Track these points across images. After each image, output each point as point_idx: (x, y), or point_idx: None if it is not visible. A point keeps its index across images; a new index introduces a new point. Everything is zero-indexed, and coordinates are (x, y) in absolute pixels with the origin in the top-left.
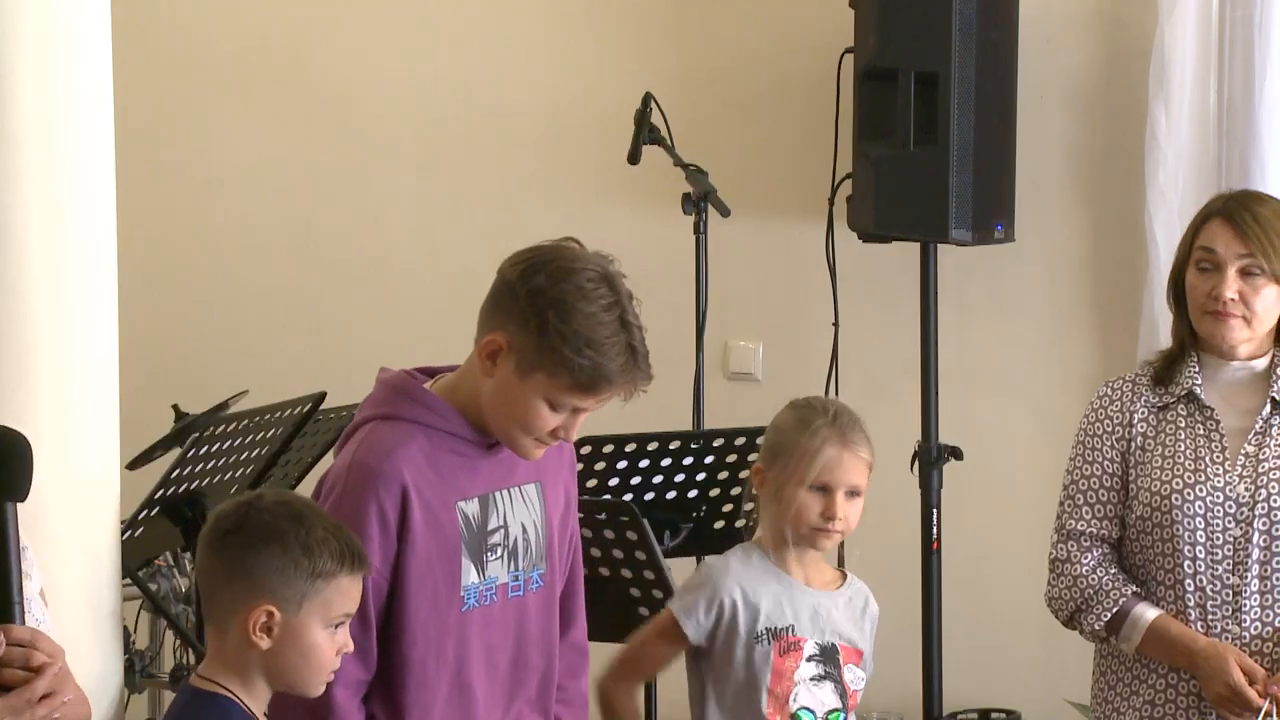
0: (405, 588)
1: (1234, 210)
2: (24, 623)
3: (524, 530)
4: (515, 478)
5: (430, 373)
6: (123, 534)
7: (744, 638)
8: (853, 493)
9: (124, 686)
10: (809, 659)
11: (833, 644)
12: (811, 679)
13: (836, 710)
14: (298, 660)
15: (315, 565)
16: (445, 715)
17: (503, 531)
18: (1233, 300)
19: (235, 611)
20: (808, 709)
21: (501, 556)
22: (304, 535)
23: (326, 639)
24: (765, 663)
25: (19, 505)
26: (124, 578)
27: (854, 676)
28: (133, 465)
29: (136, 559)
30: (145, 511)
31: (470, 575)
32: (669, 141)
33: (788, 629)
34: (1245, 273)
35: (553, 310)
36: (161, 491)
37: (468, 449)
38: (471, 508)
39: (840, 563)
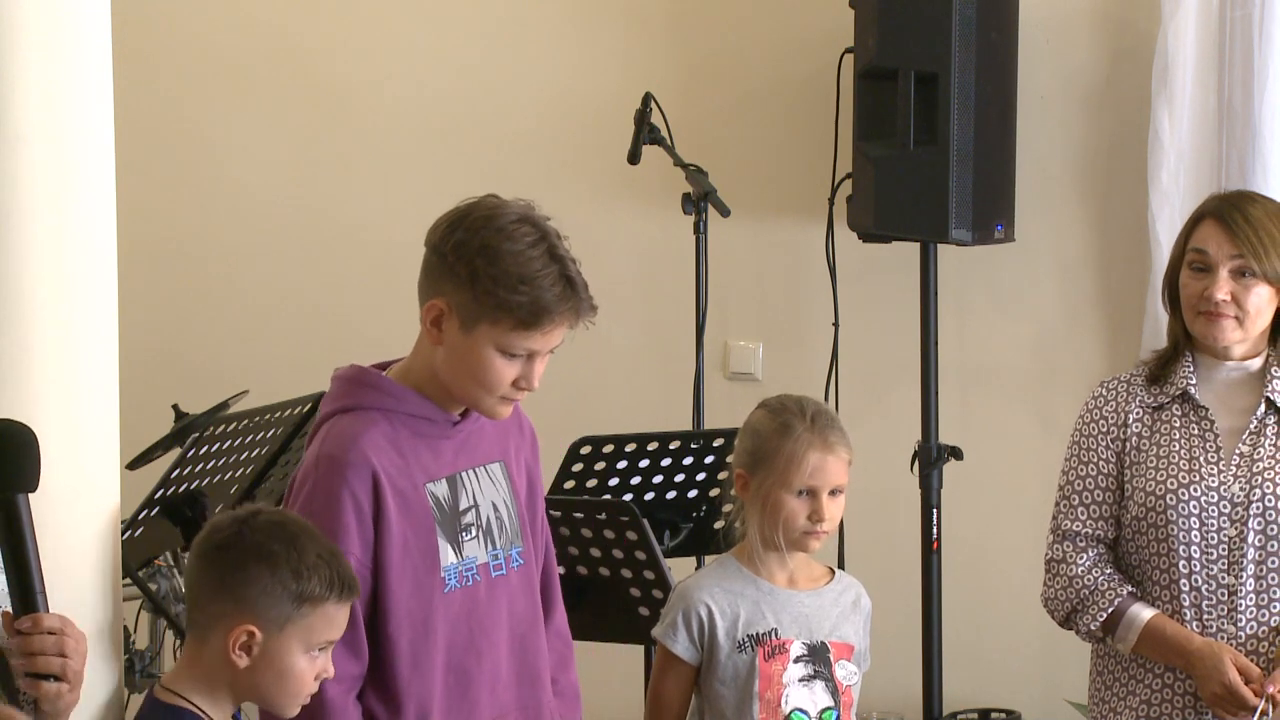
0: (386, 573)
1: (1226, 211)
2: (48, 610)
3: (495, 509)
4: (479, 457)
5: (383, 367)
6: (123, 534)
7: (727, 648)
8: (835, 491)
9: (124, 686)
10: (796, 660)
11: (822, 642)
12: (801, 680)
13: (830, 708)
14: (273, 681)
15: (302, 590)
16: (445, 701)
17: (474, 511)
18: (1225, 301)
19: (217, 626)
20: (801, 710)
21: (477, 536)
22: (295, 559)
23: (306, 663)
24: (752, 669)
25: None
26: (124, 578)
27: (846, 672)
28: (133, 465)
29: (136, 559)
30: (145, 511)
31: (448, 556)
32: (669, 141)
33: (770, 633)
34: (1237, 273)
35: (480, 257)
36: (161, 491)
37: (429, 429)
38: (440, 489)
39: (841, 563)
